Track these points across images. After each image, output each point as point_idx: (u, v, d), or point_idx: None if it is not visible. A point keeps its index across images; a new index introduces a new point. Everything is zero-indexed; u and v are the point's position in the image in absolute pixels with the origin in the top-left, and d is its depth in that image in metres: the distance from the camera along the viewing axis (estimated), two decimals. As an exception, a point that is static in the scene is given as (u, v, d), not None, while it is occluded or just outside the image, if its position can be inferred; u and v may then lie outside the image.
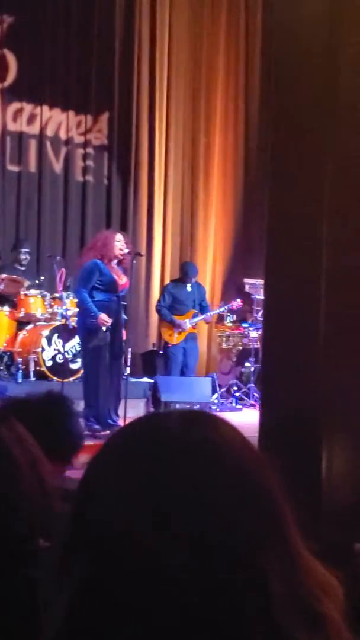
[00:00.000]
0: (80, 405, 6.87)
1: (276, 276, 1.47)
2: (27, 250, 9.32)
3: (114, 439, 0.86)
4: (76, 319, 8.36)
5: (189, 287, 9.27)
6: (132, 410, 7.05)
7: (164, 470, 0.78)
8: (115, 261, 7.15)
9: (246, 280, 10.19)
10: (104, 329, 6.96)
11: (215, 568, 0.74)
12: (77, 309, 8.45)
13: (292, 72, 1.45)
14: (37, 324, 8.64)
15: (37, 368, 8.43)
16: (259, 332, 9.01)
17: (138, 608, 0.73)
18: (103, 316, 6.92)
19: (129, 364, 7.54)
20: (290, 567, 0.79)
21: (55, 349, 8.48)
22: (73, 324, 8.43)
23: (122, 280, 7.21)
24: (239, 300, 9.56)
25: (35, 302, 8.72)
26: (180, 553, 0.74)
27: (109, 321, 6.94)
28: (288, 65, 1.46)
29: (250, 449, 0.84)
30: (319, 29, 1.39)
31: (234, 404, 9.16)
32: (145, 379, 9.14)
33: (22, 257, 9.21)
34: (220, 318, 9.95)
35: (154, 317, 10.10)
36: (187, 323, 9.16)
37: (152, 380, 8.83)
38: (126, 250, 7.36)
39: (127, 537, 0.75)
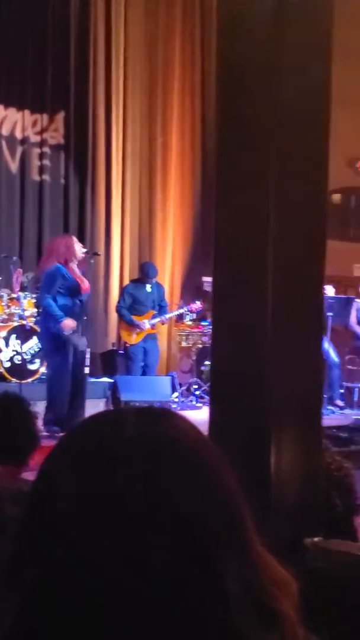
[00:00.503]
0: (38, 407, 6.84)
1: (223, 274, 1.47)
2: (-17, 251, 9.24)
3: (70, 436, 0.85)
4: (34, 319, 8.33)
5: (148, 288, 9.28)
6: (91, 410, 7.02)
7: (120, 466, 0.77)
8: (76, 263, 7.17)
9: (205, 278, 10.21)
10: (66, 333, 6.97)
11: (172, 564, 0.74)
12: (34, 310, 8.41)
13: (236, 68, 1.45)
14: (-6, 325, 8.58)
15: (-5, 369, 8.37)
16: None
17: (90, 609, 0.73)
18: (68, 321, 6.93)
19: (87, 364, 7.52)
20: (246, 563, 0.79)
21: (13, 350, 8.42)
22: (31, 324, 8.40)
23: (85, 284, 7.23)
24: (198, 302, 9.58)
25: (-8, 303, 8.66)
26: (135, 550, 0.74)
27: (74, 325, 6.96)
28: (232, 63, 1.46)
29: (208, 445, 0.84)
30: (263, 25, 1.40)
31: (194, 402, 9.18)
32: (105, 379, 9.12)
33: (-22, 258, 9.13)
34: (180, 317, 9.96)
35: (113, 317, 10.07)
36: (146, 323, 9.17)
37: (111, 380, 8.82)
38: (84, 250, 7.39)
39: (81, 536, 0.75)
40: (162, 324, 9.59)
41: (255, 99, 1.38)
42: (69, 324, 6.95)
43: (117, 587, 0.73)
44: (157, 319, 9.31)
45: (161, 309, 9.38)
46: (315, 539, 1.36)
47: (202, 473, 0.79)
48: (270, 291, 1.33)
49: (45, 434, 6.18)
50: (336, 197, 15.30)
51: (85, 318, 7.33)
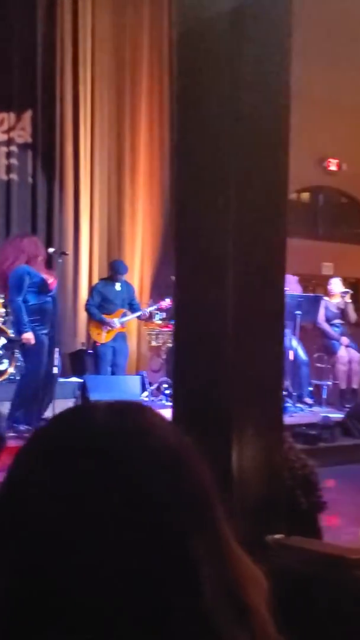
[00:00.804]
0: (5, 407, 6.82)
1: (185, 272, 1.47)
2: None
3: (41, 431, 0.84)
4: (2, 320, 8.31)
5: (118, 286, 9.27)
6: (61, 410, 7.00)
7: (92, 459, 0.76)
8: (38, 261, 7.17)
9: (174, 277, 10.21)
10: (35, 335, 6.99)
11: (146, 556, 0.73)
12: (2, 310, 8.40)
13: (194, 74, 1.45)
14: None
15: None
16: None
17: (64, 600, 0.72)
18: (28, 335, 6.95)
19: (56, 363, 7.50)
20: (219, 555, 0.79)
21: (-19, 351, 8.37)
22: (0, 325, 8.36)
23: (51, 279, 7.22)
24: (168, 300, 9.60)
25: None
26: (109, 543, 0.73)
27: (32, 341, 6.99)
28: (191, 67, 1.46)
29: (180, 437, 0.84)
30: (221, 30, 1.40)
31: (164, 402, 9.19)
32: (74, 379, 9.09)
33: None
34: (150, 316, 9.96)
35: (83, 316, 10.03)
36: (116, 322, 9.16)
37: (81, 380, 8.79)
38: (51, 250, 7.38)
39: (54, 532, 0.74)
40: (141, 319, 9.59)
41: (213, 100, 1.38)
42: (28, 337, 6.98)
43: (90, 580, 0.72)
44: (129, 317, 9.31)
45: (132, 307, 9.37)
46: (277, 536, 1.37)
47: (174, 465, 0.79)
48: (231, 289, 1.33)
49: (12, 434, 6.15)
50: (305, 196, 15.40)
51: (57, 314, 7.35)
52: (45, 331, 7.11)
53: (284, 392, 9.54)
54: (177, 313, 1.48)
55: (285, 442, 1.69)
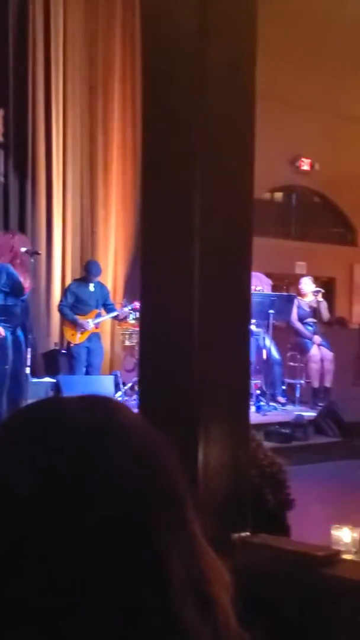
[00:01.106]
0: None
1: (150, 272, 1.47)
2: None
3: (10, 422, 0.83)
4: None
5: (92, 287, 9.25)
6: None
7: (63, 451, 0.76)
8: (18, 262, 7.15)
9: (147, 277, 10.20)
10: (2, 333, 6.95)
11: (118, 549, 0.73)
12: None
13: (161, 71, 1.45)
14: None
15: None
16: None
17: (28, 597, 0.72)
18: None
19: (29, 364, 7.46)
20: (188, 547, 0.79)
21: None
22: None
23: (27, 283, 7.19)
24: (141, 300, 9.56)
25: None
26: (78, 535, 0.73)
27: (2, 334, 6.95)
28: (159, 63, 1.46)
29: (152, 431, 0.84)
30: (188, 26, 1.40)
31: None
32: (47, 379, 9.05)
33: None
34: (124, 316, 9.95)
35: (56, 316, 9.99)
36: (90, 323, 9.13)
37: (54, 380, 8.76)
38: (23, 249, 7.33)
39: (23, 524, 0.73)
40: (119, 320, 9.57)
41: (180, 97, 1.38)
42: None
43: (57, 569, 0.72)
44: (104, 317, 9.29)
45: (107, 308, 9.36)
46: (244, 534, 1.37)
47: (145, 457, 0.79)
48: (197, 290, 1.33)
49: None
50: (278, 196, 15.47)
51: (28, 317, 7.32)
52: (10, 329, 7.06)
53: (258, 391, 9.59)
54: (143, 313, 1.48)
55: (253, 441, 1.70)
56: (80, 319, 9.10)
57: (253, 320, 9.64)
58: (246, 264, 1.46)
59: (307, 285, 10.40)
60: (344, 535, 3.12)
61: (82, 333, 9.11)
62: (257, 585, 1.35)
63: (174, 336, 1.38)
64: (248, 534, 1.38)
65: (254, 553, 1.35)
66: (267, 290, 9.97)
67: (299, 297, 10.38)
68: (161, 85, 1.43)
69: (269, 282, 10.24)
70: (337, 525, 3.17)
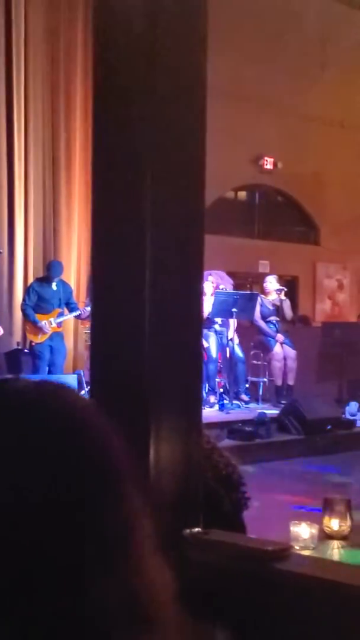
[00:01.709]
0: None
1: (101, 270, 1.47)
2: None
3: None
4: None
5: (54, 286, 9.22)
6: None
7: (13, 433, 0.75)
8: None
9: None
10: None
11: (35, 524, 0.72)
12: None
13: (110, 67, 1.45)
14: None
15: None
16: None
17: None
18: None
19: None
20: (119, 533, 0.79)
21: None
22: None
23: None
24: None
25: None
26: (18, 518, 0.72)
27: None
28: (109, 59, 1.46)
29: (97, 418, 0.84)
30: (137, 18, 1.40)
31: (101, 400, 9.16)
32: (10, 379, 8.98)
33: None
34: (88, 314, 9.92)
35: (18, 315, 9.93)
36: (52, 323, 9.10)
37: (16, 380, 8.70)
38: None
39: None
40: (81, 319, 9.53)
41: (130, 100, 1.38)
42: None
43: None
44: (66, 316, 9.26)
45: (70, 307, 9.33)
46: (195, 530, 1.38)
47: (84, 444, 0.78)
48: (148, 282, 1.33)
49: None
50: (242, 195, 15.53)
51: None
52: None
53: (222, 390, 9.62)
54: (94, 311, 1.48)
55: (208, 443, 1.71)
56: (41, 320, 9.07)
57: (218, 320, 9.67)
58: (198, 262, 1.46)
59: (272, 283, 10.46)
60: (302, 531, 3.15)
61: (43, 333, 9.08)
62: (208, 579, 1.36)
63: (125, 334, 1.38)
64: (199, 529, 1.38)
65: (204, 548, 1.35)
66: (229, 289, 10.01)
67: (263, 296, 10.42)
68: (111, 79, 1.43)
69: (231, 281, 10.28)
70: (296, 522, 3.20)
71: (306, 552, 3.03)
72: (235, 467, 1.75)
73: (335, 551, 3.15)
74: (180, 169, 1.43)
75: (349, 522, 3.29)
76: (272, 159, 14.45)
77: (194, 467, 1.43)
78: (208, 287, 9.64)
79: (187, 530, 1.38)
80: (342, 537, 3.26)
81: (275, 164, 14.49)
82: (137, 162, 1.39)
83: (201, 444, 1.47)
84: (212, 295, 9.58)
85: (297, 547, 3.09)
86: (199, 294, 1.49)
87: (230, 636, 1.23)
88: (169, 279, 1.39)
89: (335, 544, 3.23)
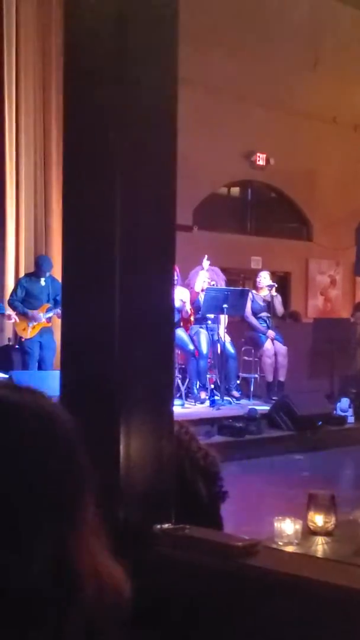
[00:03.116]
0: None
1: (72, 262, 1.47)
2: None
3: None
4: None
5: (42, 282, 9.21)
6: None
7: None
8: None
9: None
10: None
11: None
12: None
13: (81, 63, 1.45)
14: None
15: None
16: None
17: None
18: None
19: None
20: (65, 526, 0.80)
21: None
22: None
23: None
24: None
25: None
26: None
27: None
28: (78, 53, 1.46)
29: (62, 421, 0.85)
30: (107, 15, 1.40)
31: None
32: (0, 374, 8.98)
33: None
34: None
35: (8, 311, 9.91)
36: (42, 317, 9.09)
37: (7, 376, 8.70)
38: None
39: None
40: (59, 317, 9.53)
41: (99, 86, 1.38)
42: None
43: None
44: (52, 312, 9.24)
45: (56, 303, 9.31)
46: (165, 526, 1.38)
47: (42, 441, 0.79)
48: (118, 279, 1.34)
49: None
50: (235, 191, 15.52)
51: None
52: None
53: (212, 386, 9.62)
54: (64, 309, 1.48)
55: (186, 434, 1.71)
56: (30, 312, 9.07)
57: (211, 315, 9.67)
58: (169, 264, 1.47)
59: (265, 279, 10.46)
60: (286, 527, 3.15)
61: (33, 328, 9.07)
62: (177, 575, 1.36)
63: (95, 333, 1.39)
64: (170, 525, 1.39)
65: (174, 544, 1.36)
66: (222, 285, 10.01)
67: (254, 291, 10.42)
68: (81, 76, 1.43)
69: (224, 277, 10.27)
70: (280, 517, 3.20)
71: (290, 548, 3.02)
72: (213, 459, 1.76)
73: (319, 547, 3.15)
74: (151, 160, 1.42)
75: (333, 518, 3.29)
76: (264, 155, 14.43)
77: (165, 463, 1.43)
78: (204, 283, 9.66)
79: (158, 526, 1.39)
80: (327, 533, 3.25)
81: (267, 160, 14.48)
82: (108, 158, 1.39)
83: (173, 440, 1.47)
84: (202, 291, 9.61)
85: (280, 543, 3.09)
86: (169, 292, 1.49)
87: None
88: (139, 279, 1.39)
89: (320, 539, 3.23)
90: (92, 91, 1.40)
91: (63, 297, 1.46)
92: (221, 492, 1.74)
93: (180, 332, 9.39)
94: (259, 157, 14.45)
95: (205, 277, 9.73)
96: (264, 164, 14.52)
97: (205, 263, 9.78)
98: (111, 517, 1.29)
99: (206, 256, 9.80)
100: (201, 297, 9.55)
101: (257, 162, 14.50)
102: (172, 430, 1.46)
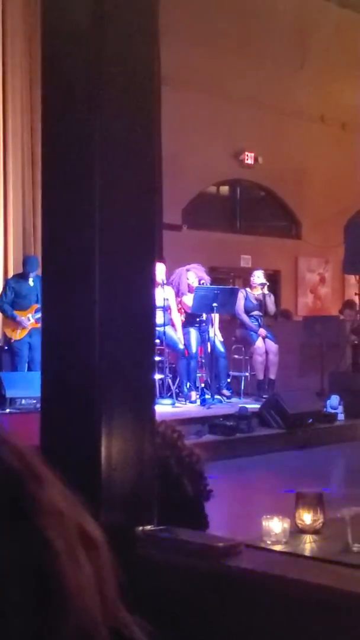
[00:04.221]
0: None
1: (51, 263, 1.46)
2: None
3: None
4: None
5: (31, 282, 9.19)
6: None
7: None
8: None
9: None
10: None
11: None
12: None
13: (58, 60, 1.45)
14: None
15: None
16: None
17: None
18: None
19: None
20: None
21: None
22: None
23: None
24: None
25: None
26: None
27: None
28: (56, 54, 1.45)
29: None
30: (85, 15, 1.40)
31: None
32: (-10, 376, 8.96)
33: None
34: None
35: (-2, 312, 9.89)
36: (30, 319, 9.08)
37: (-4, 377, 8.68)
38: None
39: None
40: None
41: (78, 98, 1.38)
42: None
43: None
44: (40, 313, 9.22)
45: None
46: (147, 528, 1.37)
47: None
48: (98, 276, 1.33)
49: None
50: (223, 190, 15.53)
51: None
52: None
53: (203, 385, 9.62)
54: (45, 308, 1.47)
55: (174, 432, 1.71)
56: (19, 315, 9.05)
57: (203, 315, 9.67)
58: (149, 265, 1.46)
59: (258, 277, 10.46)
60: (274, 525, 3.15)
61: (22, 329, 9.07)
62: (159, 577, 1.36)
63: (75, 334, 1.38)
64: (152, 527, 1.38)
65: (156, 546, 1.35)
66: (206, 280, 10.00)
67: (248, 289, 10.43)
68: (58, 73, 1.42)
69: (208, 278, 10.25)
70: (268, 516, 3.20)
71: (278, 547, 3.03)
72: (198, 457, 1.76)
73: (307, 545, 3.16)
74: (130, 159, 1.42)
75: (321, 516, 3.29)
76: (252, 154, 14.45)
77: (147, 465, 1.42)
78: (193, 282, 9.66)
79: (140, 528, 1.38)
80: (315, 531, 3.26)
81: (256, 159, 14.49)
82: (87, 155, 1.39)
83: (154, 442, 1.46)
84: (189, 291, 9.63)
85: (268, 542, 3.09)
86: (150, 293, 1.49)
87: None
88: (119, 280, 1.39)
89: (308, 538, 3.23)
90: (71, 93, 1.39)
91: (43, 299, 1.46)
92: (206, 490, 1.74)
93: (170, 332, 9.38)
94: (247, 155, 14.46)
95: (193, 277, 9.72)
96: (253, 162, 14.54)
97: (191, 275, 9.75)
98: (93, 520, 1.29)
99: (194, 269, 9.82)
100: (188, 298, 9.55)
101: (246, 161, 14.51)
102: (153, 432, 1.46)
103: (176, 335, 9.52)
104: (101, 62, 1.38)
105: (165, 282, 9.39)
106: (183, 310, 9.76)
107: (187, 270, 9.83)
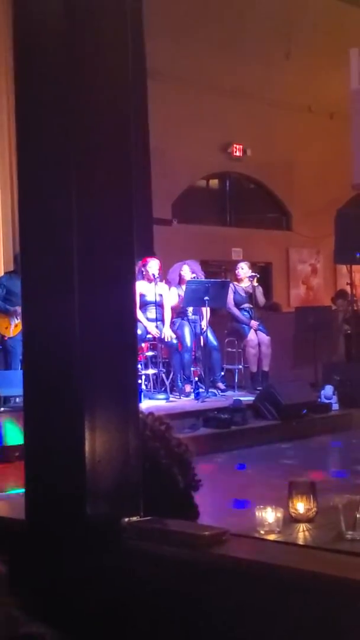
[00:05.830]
0: None
1: (31, 265, 1.47)
2: None
3: None
4: None
5: (23, 279, 9.18)
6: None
7: None
8: None
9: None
10: None
11: None
12: None
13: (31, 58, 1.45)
14: None
15: None
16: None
17: None
18: None
19: None
20: None
21: None
22: None
23: None
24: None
25: None
26: None
27: None
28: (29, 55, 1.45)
29: None
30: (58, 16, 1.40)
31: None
32: (-17, 374, 8.94)
33: None
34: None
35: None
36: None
37: (-11, 375, 8.67)
38: None
39: None
40: None
41: (50, 78, 1.38)
42: None
43: None
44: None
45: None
46: (134, 519, 1.38)
47: None
48: (76, 273, 1.34)
49: None
50: (213, 183, 15.52)
51: None
52: None
53: (197, 378, 9.62)
54: (25, 309, 1.48)
55: (163, 424, 1.72)
56: (11, 308, 9.05)
57: (190, 309, 9.68)
58: (129, 263, 1.47)
59: (244, 270, 10.44)
60: (267, 515, 3.16)
61: (15, 326, 9.04)
62: (146, 566, 1.36)
63: (56, 329, 1.38)
64: (138, 518, 1.39)
65: (142, 536, 1.36)
66: (199, 274, 10.02)
67: (235, 282, 10.41)
68: (31, 71, 1.43)
69: (203, 273, 10.27)
70: (261, 506, 3.21)
71: (271, 537, 3.04)
72: (186, 448, 1.77)
73: (301, 534, 3.17)
74: (107, 154, 1.42)
75: (314, 505, 3.31)
76: (241, 146, 14.44)
77: (132, 457, 1.43)
78: (186, 275, 9.67)
79: (126, 519, 1.39)
80: (308, 520, 3.27)
81: (244, 151, 14.48)
82: (62, 152, 1.39)
83: (139, 435, 1.47)
84: (179, 284, 9.63)
85: (262, 532, 3.10)
86: (130, 291, 1.49)
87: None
88: (98, 279, 1.39)
89: (301, 526, 3.24)
90: (45, 87, 1.39)
91: (23, 301, 1.46)
92: (194, 480, 1.75)
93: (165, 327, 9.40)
94: (235, 148, 14.45)
95: (187, 271, 9.74)
96: (241, 154, 14.53)
97: (186, 268, 9.79)
98: (79, 512, 1.30)
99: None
100: (181, 291, 9.56)
101: (234, 154, 14.50)
102: (137, 425, 1.47)
103: (169, 330, 9.53)
104: (76, 64, 1.38)
105: (155, 276, 9.39)
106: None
107: (184, 264, 9.87)
